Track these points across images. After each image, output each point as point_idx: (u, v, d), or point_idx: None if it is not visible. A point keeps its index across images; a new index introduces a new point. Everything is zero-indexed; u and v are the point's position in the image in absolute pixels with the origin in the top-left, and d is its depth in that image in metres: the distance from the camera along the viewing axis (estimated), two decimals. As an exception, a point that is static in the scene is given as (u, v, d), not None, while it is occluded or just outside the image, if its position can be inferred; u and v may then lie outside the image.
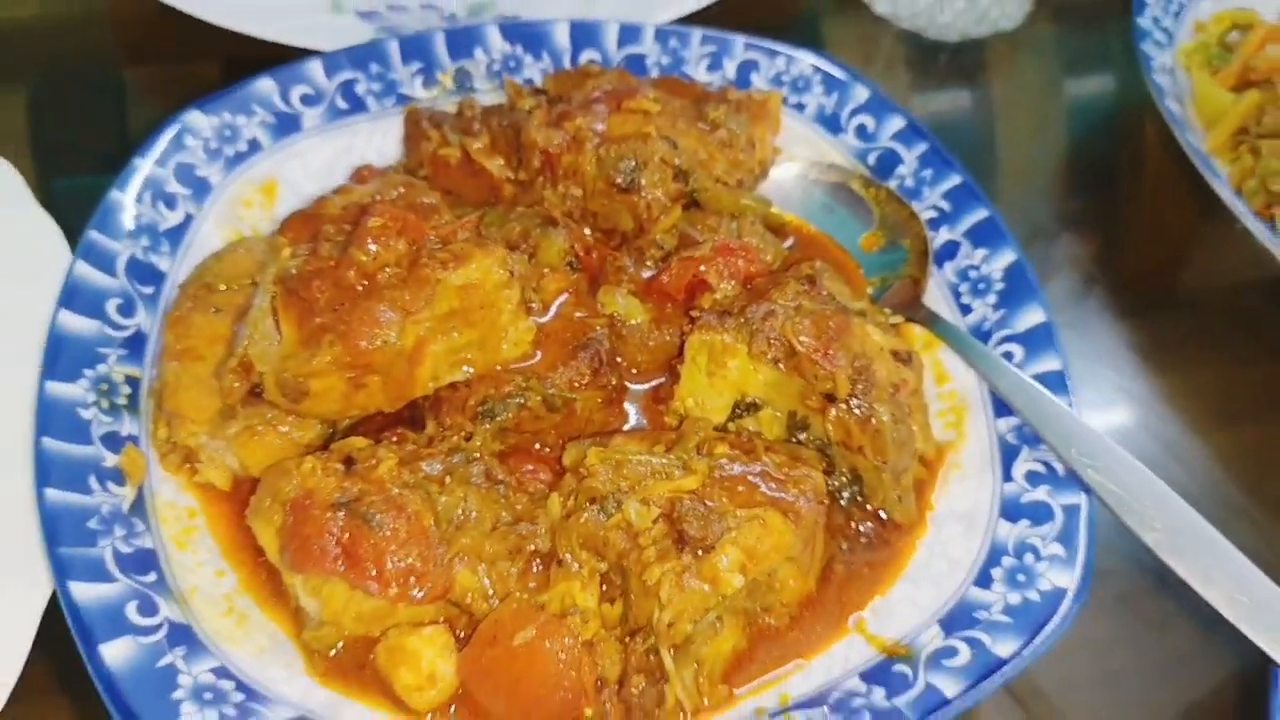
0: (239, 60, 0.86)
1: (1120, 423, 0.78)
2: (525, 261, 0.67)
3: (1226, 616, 0.55)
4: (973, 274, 0.74)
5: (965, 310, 0.73)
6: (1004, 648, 0.56)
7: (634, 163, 0.72)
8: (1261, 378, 0.79)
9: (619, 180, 0.72)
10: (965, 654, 0.57)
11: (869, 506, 0.64)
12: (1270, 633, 0.55)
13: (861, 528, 0.64)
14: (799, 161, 0.81)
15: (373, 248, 0.61)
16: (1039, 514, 0.62)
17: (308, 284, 0.61)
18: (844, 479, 0.65)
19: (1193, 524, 0.58)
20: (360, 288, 0.61)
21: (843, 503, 0.65)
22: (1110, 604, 0.65)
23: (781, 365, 0.64)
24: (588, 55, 0.85)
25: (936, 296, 0.74)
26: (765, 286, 0.67)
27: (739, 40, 0.85)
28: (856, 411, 0.62)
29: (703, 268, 0.69)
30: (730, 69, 0.85)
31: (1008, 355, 0.69)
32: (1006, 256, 0.73)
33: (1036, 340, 0.69)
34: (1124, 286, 0.85)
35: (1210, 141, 0.86)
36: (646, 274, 0.71)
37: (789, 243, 0.78)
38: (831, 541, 0.63)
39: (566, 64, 0.86)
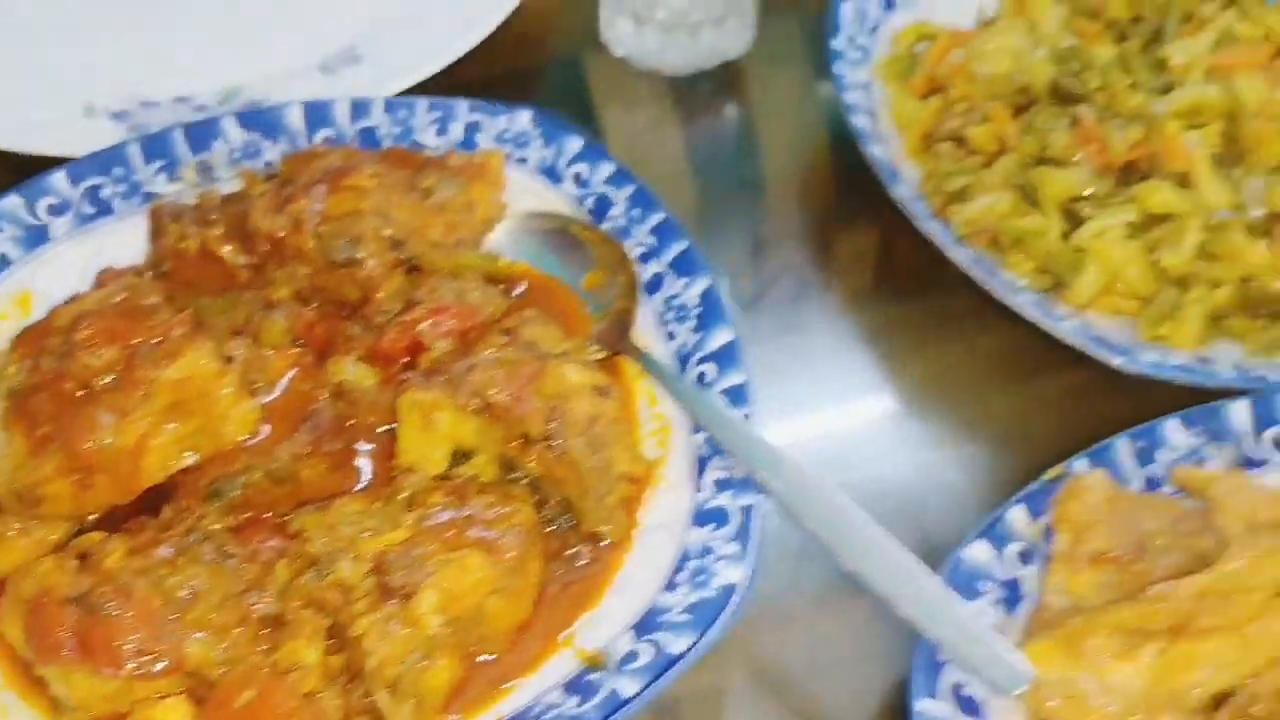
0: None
1: (830, 411, 0.87)
2: (249, 345, 0.73)
3: (877, 592, 0.63)
4: (675, 302, 0.81)
5: (670, 337, 0.80)
6: (679, 645, 0.63)
7: (349, 239, 0.78)
8: (953, 359, 0.89)
9: (337, 257, 0.78)
10: (646, 654, 0.63)
11: (582, 530, 0.71)
12: (917, 606, 0.62)
13: (577, 550, 0.71)
14: (522, 214, 0.88)
15: (85, 358, 0.66)
16: (720, 517, 0.69)
17: (29, 398, 0.66)
18: (555, 509, 0.72)
19: (852, 517, 0.65)
20: (79, 395, 0.66)
21: (559, 529, 0.71)
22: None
23: (484, 414, 0.71)
24: (324, 134, 0.92)
25: (650, 325, 0.81)
26: (474, 340, 0.74)
27: (462, 104, 0.92)
28: (553, 448, 0.68)
29: (418, 328, 0.76)
30: (457, 131, 0.91)
31: (702, 375, 0.76)
32: (702, 283, 0.80)
33: (724, 358, 0.76)
34: (833, 288, 0.94)
35: (903, 148, 0.94)
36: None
37: (520, 289, 0.86)
38: (548, 566, 0.70)
39: (303, 144, 0.91)
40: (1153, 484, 0.72)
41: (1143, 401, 0.77)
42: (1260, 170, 0.89)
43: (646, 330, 0.81)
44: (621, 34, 1.09)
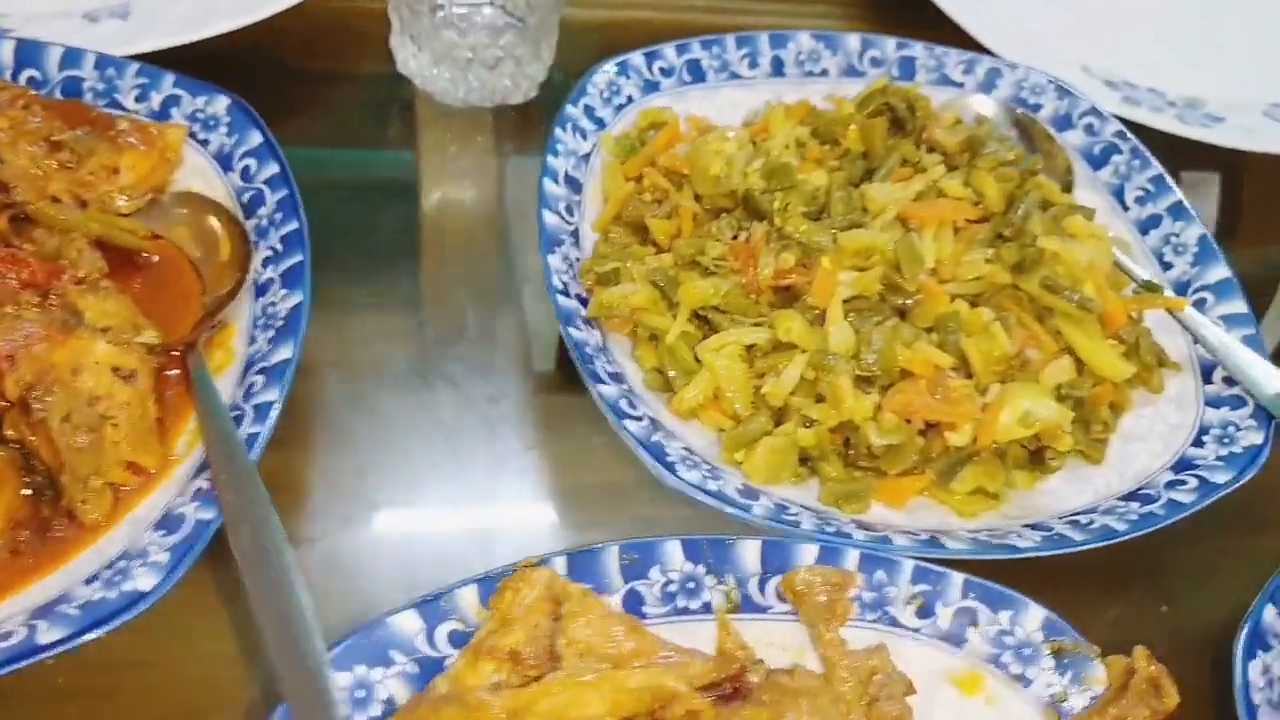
0: None
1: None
2: None
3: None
4: (270, 309, 0.81)
5: (252, 341, 0.81)
6: (52, 636, 0.64)
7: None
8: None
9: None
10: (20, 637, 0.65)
11: (61, 504, 0.72)
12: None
13: (51, 521, 0.71)
14: (181, 192, 0.89)
15: None
16: (171, 524, 0.69)
17: None
18: (41, 477, 0.72)
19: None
20: None
21: (41, 496, 0.72)
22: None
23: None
24: (29, 73, 0.93)
25: (244, 328, 0.81)
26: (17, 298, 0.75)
27: (169, 76, 0.93)
28: (32, 416, 0.69)
29: (-13, 275, 0.77)
30: (156, 101, 0.92)
31: (251, 386, 0.77)
32: (296, 298, 0.80)
33: (276, 374, 0.76)
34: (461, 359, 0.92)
35: (596, 223, 0.94)
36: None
37: (152, 260, 0.86)
38: (14, 531, 0.70)
39: (8, 78, 0.93)
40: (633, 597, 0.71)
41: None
42: (921, 322, 0.89)
43: (241, 331, 0.82)
44: (403, 55, 1.11)
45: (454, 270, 1.00)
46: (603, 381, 0.80)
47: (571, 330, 0.83)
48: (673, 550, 0.72)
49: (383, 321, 0.93)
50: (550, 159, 0.94)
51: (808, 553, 0.73)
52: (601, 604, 0.66)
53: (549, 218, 0.90)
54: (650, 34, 1.09)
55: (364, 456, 0.83)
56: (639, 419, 0.80)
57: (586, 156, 0.98)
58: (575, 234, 0.93)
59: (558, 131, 0.96)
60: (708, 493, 0.76)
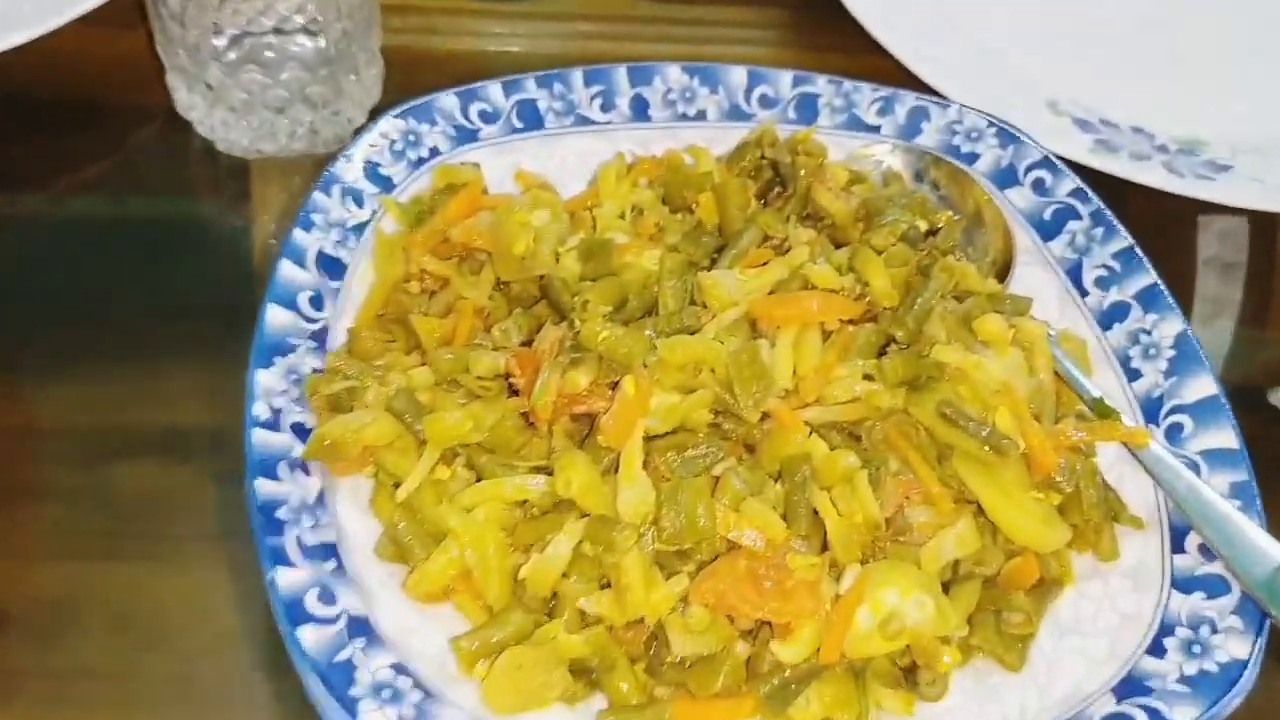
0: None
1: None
2: None
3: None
4: None
5: None
6: None
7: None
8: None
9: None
10: None
11: None
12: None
13: None
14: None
15: None
16: None
17: None
18: None
19: None
20: None
21: None
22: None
23: None
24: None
25: None
26: None
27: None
28: None
29: None
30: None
31: None
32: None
33: None
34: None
35: (362, 309, 0.71)
36: None
37: None
38: None
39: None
40: None
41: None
42: (768, 466, 0.65)
43: None
44: (179, 94, 0.89)
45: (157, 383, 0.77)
46: (286, 562, 0.58)
47: (261, 484, 0.61)
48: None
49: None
50: (296, 234, 0.72)
51: None
52: None
53: (275, 315, 0.67)
54: (515, 67, 0.87)
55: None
56: (327, 622, 0.57)
57: (361, 228, 0.76)
58: (322, 335, 0.71)
59: (315, 197, 0.74)
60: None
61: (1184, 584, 0.63)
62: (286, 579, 0.56)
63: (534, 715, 0.57)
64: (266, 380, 0.64)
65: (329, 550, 0.60)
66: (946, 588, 0.62)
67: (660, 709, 0.56)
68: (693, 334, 0.66)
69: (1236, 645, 0.59)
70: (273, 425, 0.63)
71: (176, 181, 0.90)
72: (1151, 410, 0.72)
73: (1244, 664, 0.57)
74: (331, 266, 0.73)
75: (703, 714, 0.57)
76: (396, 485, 0.63)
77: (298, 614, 0.55)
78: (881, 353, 0.67)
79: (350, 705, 0.52)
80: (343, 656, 0.55)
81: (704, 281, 0.68)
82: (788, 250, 0.71)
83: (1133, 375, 0.74)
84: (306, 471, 0.63)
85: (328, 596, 0.57)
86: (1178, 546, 0.65)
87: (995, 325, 0.67)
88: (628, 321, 0.66)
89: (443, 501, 0.61)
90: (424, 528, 0.61)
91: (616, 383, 0.63)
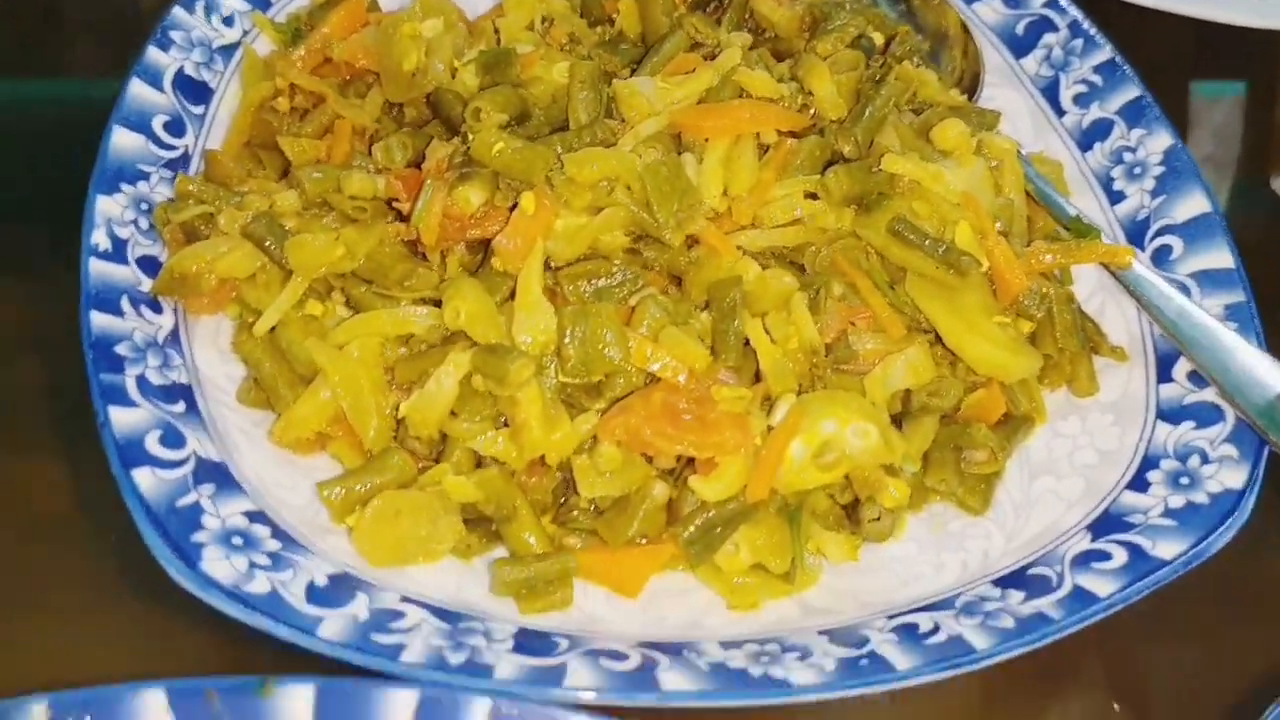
0: None
1: None
2: None
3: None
4: None
5: None
6: None
7: None
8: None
9: None
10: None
11: None
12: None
13: None
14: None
15: None
16: None
17: None
18: None
19: None
20: None
21: None
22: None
23: None
24: None
25: None
26: None
27: None
28: None
29: None
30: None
31: None
32: None
33: None
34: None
35: (223, 147, 0.62)
36: None
37: None
38: None
39: None
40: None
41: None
42: (697, 295, 0.57)
43: None
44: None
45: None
46: (123, 401, 0.50)
47: (97, 317, 0.52)
48: (151, 705, 0.41)
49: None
50: (150, 51, 0.62)
51: (398, 707, 0.43)
52: None
53: (121, 138, 0.58)
54: None
55: None
56: (170, 465, 0.50)
57: (231, 49, 0.67)
58: (182, 164, 0.62)
59: (175, 12, 0.64)
60: (242, 600, 0.44)
61: (1171, 414, 0.55)
62: (122, 418, 0.48)
63: (424, 570, 0.49)
64: (108, 208, 0.55)
65: (179, 392, 0.52)
66: (898, 423, 0.54)
67: (565, 558, 0.49)
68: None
69: (1230, 475, 0.51)
70: (114, 257, 0.54)
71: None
72: (1136, 234, 0.63)
73: (1239, 494, 0.50)
74: (193, 90, 0.63)
75: (615, 564, 0.49)
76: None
77: (133, 455, 0.47)
78: (826, 170, 0.59)
79: (190, 552, 0.44)
80: (185, 501, 0.47)
81: (620, 90, 0.58)
82: (718, 58, 0.63)
83: (1116, 198, 0.65)
84: (156, 309, 0.55)
85: (173, 439, 0.49)
86: (1164, 377, 0.57)
87: (956, 130, 0.58)
88: (532, 138, 0.58)
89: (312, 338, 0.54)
90: (292, 369, 0.53)
91: (515, 205, 0.56)
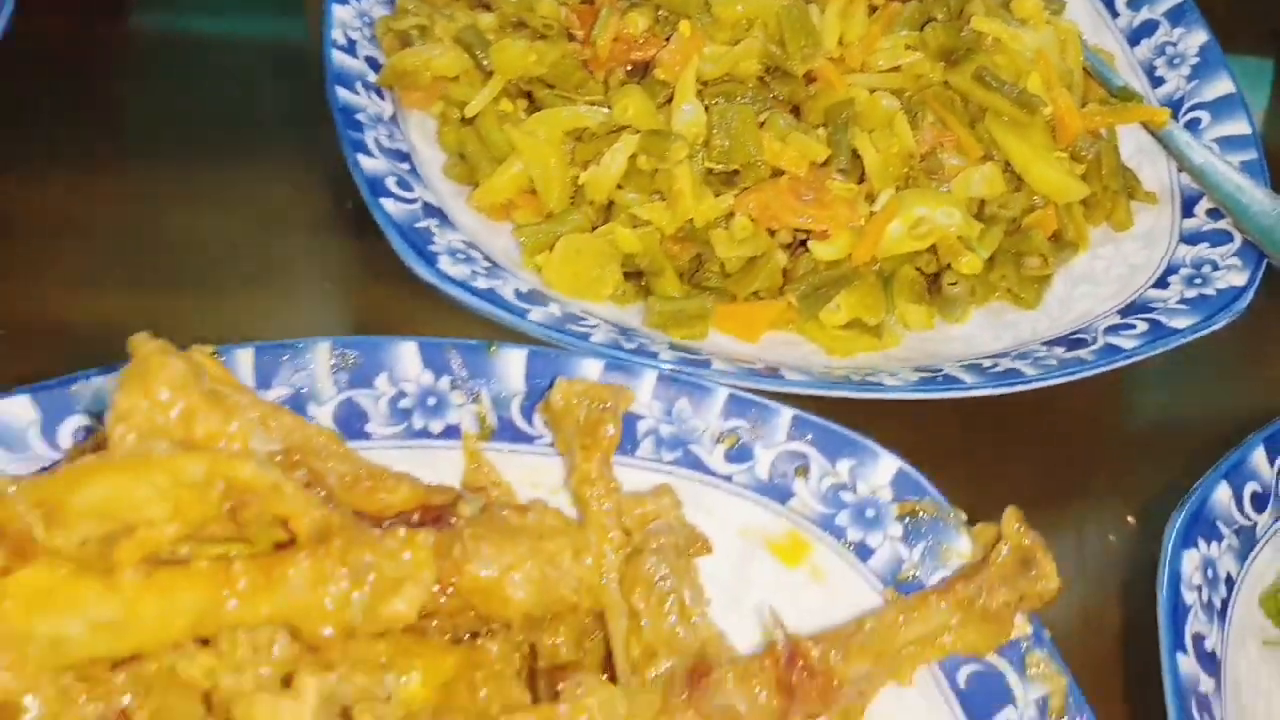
0: None
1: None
2: None
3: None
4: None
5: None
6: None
7: None
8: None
9: None
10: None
11: None
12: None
13: None
14: None
15: None
16: None
17: None
18: None
19: None
20: None
21: None
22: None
23: None
24: None
25: None
26: None
27: None
28: None
29: None
30: None
31: None
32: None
33: None
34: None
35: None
36: None
37: None
38: None
39: None
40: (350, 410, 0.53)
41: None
42: (813, 119, 0.69)
43: None
44: None
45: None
46: (366, 152, 0.63)
47: (340, 91, 0.65)
48: (407, 354, 0.55)
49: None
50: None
51: (589, 370, 0.55)
52: (254, 398, 0.49)
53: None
54: None
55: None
56: (406, 201, 0.62)
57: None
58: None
59: None
60: (472, 290, 0.58)
61: (1190, 238, 0.68)
62: (368, 163, 0.61)
63: (589, 304, 0.62)
64: (342, 15, 0.69)
65: (404, 155, 0.65)
66: (973, 226, 0.67)
67: (704, 298, 0.62)
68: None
69: (1235, 276, 0.64)
70: (349, 51, 0.68)
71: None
72: (1173, 109, 0.76)
73: (1241, 289, 0.63)
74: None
75: (741, 313, 0.63)
76: (463, 119, 0.69)
77: (380, 189, 0.60)
78: (924, 28, 0.72)
79: (430, 258, 0.58)
80: (421, 225, 0.60)
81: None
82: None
83: (1157, 83, 0.78)
84: (381, 96, 0.68)
85: (405, 184, 0.62)
86: (1188, 213, 0.70)
87: (1032, 1, 0.72)
88: (685, -15, 0.71)
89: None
90: (489, 151, 0.67)
91: (671, 36, 0.68)
